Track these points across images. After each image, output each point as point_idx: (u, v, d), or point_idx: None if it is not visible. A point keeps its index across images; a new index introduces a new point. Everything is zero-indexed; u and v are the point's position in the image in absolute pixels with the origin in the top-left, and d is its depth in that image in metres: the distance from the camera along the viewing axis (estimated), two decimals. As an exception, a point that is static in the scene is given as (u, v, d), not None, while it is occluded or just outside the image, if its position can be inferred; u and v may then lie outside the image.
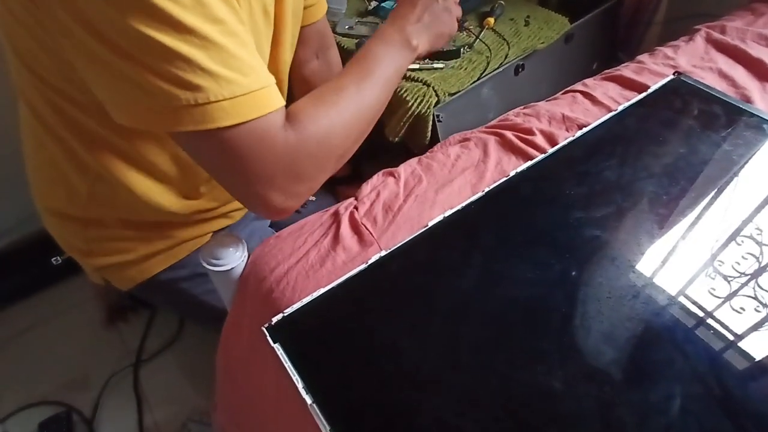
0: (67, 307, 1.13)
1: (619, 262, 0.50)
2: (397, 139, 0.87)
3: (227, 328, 0.60)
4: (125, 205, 0.60)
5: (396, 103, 0.85)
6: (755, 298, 0.48)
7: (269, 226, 0.83)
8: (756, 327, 0.46)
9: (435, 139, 0.87)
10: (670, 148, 0.62)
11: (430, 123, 0.85)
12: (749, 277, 0.49)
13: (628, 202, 0.56)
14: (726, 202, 0.56)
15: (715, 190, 0.57)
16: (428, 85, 0.84)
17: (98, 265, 0.67)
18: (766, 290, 0.48)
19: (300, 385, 0.42)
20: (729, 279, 0.49)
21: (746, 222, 0.54)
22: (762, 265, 0.50)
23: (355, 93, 0.49)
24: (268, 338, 0.46)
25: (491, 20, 0.97)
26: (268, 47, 0.57)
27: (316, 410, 0.41)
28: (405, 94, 0.83)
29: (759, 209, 0.55)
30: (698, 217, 0.55)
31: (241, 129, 0.41)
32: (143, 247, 0.66)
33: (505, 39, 0.95)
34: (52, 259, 1.10)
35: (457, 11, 0.64)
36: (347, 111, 0.48)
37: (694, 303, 0.47)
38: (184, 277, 0.71)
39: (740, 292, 0.48)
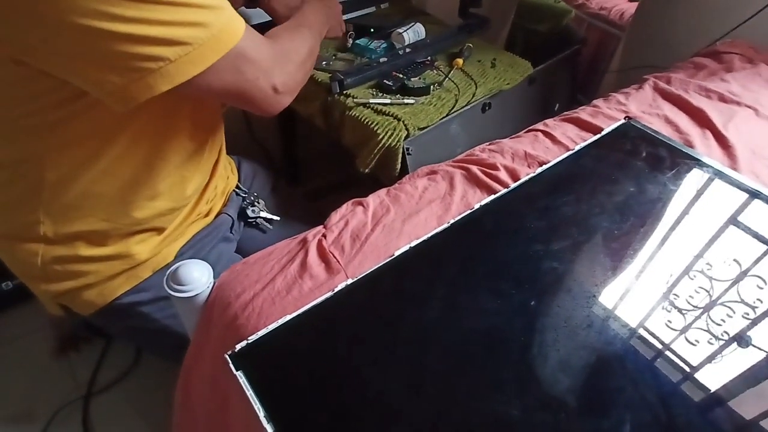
0: (15, 336, 1.07)
1: (575, 293, 0.53)
2: (367, 170, 0.89)
3: (189, 356, 0.59)
4: (89, 211, 0.60)
5: (367, 136, 0.87)
6: (708, 330, 0.51)
7: (235, 251, 0.83)
8: (709, 360, 0.48)
9: (404, 171, 0.90)
10: (621, 187, 0.66)
11: (400, 155, 0.88)
12: (702, 310, 0.52)
13: (583, 236, 0.59)
14: (677, 239, 0.60)
15: (662, 226, 0.62)
16: (399, 120, 0.87)
17: (56, 291, 0.65)
18: (717, 323, 0.51)
19: (261, 414, 0.42)
20: (683, 312, 0.52)
21: (697, 257, 0.58)
22: (713, 299, 0.53)
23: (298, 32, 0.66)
24: (231, 366, 0.46)
25: (460, 61, 1.02)
26: None
27: (276, 440, 0.40)
28: (376, 128, 0.86)
29: (707, 246, 0.59)
30: (653, 253, 0.59)
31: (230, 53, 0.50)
32: (104, 269, 0.65)
33: (472, 79, 1.00)
34: (2, 284, 1.05)
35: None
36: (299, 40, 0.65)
37: (649, 333, 0.50)
38: (146, 301, 0.69)
39: (694, 325, 0.51)
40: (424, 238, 0.58)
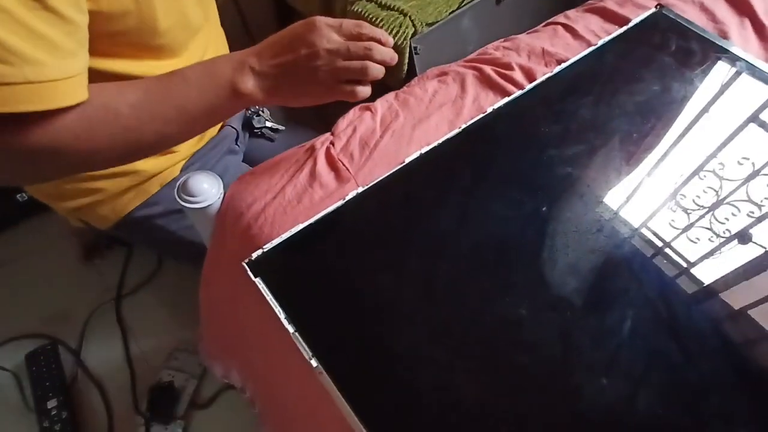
0: (39, 245, 1.12)
1: (587, 198, 0.53)
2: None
3: (207, 265, 0.61)
4: None
5: (373, 33, 0.81)
6: (710, 229, 0.51)
7: (243, 161, 0.82)
8: (707, 256, 0.49)
9: (412, 73, 0.85)
10: (644, 86, 0.62)
11: (407, 55, 0.82)
12: (707, 209, 0.52)
13: (600, 140, 0.57)
14: (693, 138, 0.58)
15: (684, 127, 0.59)
16: (405, 15, 0.80)
17: (72, 207, 0.66)
18: (721, 222, 0.52)
19: (282, 316, 0.45)
20: (689, 212, 0.52)
21: (710, 157, 0.56)
22: (720, 198, 0.53)
23: (138, 110, 0.44)
24: (249, 273, 0.47)
25: (473, -59, 0.91)
26: None
27: (299, 338, 0.43)
28: (381, 24, 0.79)
29: (723, 145, 0.57)
30: (665, 154, 0.57)
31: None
32: (111, 186, 0.65)
33: (487, -37, 0.90)
34: (17, 196, 1.07)
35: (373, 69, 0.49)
36: (120, 135, 0.45)
37: (654, 234, 0.51)
38: (158, 214, 0.70)
39: (697, 224, 0.51)
40: (435, 144, 0.56)
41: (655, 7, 0.73)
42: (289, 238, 0.49)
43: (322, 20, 0.48)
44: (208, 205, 0.55)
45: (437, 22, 0.84)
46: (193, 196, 0.54)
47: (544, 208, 0.51)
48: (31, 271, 1.09)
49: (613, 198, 0.53)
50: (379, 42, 0.49)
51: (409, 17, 0.80)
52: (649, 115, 0.59)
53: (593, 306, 0.45)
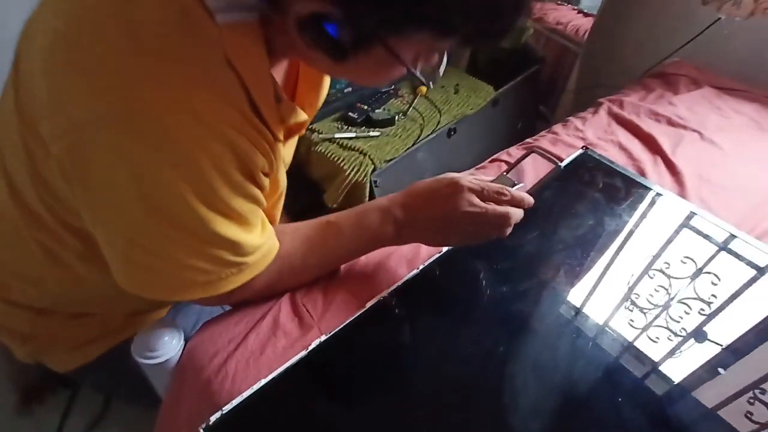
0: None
1: (541, 333, 0.55)
2: (335, 205, 0.90)
3: (161, 419, 0.57)
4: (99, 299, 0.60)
5: (334, 172, 0.88)
6: (667, 327, 0.54)
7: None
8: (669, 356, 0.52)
9: (373, 203, 0.91)
10: (580, 221, 0.69)
11: (368, 189, 0.89)
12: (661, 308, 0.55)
13: (548, 275, 0.62)
14: (630, 268, 0.64)
15: (618, 252, 0.65)
16: (364, 154, 0.88)
17: (36, 350, 0.63)
18: (675, 320, 0.55)
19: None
20: (645, 311, 0.55)
21: (656, 258, 0.61)
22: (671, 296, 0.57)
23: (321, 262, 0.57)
24: (206, 440, 0.45)
25: (424, 88, 1.04)
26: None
27: None
28: (342, 163, 0.87)
29: (665, 246, 0.63)
30: (602, 288, 0.62)
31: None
32: (82, 333, 0.63)
33: (437, 106, 1.02)
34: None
35: (506, 221, 0.54)
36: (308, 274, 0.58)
37: (618, 366, 0.53)
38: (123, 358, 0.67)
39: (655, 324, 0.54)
40: (394, 287, 0.59)
41: (582, 148, 0.84)
42: (249, 396, 0.48)
43: (465, 184, 0.53)
44: (166, 360, 0.53)
45: (394, 158, 0.92)
46: (151, 351, 0.53)
47: (501, 348, 0.53)
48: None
49: (565, 326, 0.56)
50: (520, 204, 0.55)
51: (369, 156, 0.88)
52: (588, 247, 0.65)
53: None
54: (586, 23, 1.53)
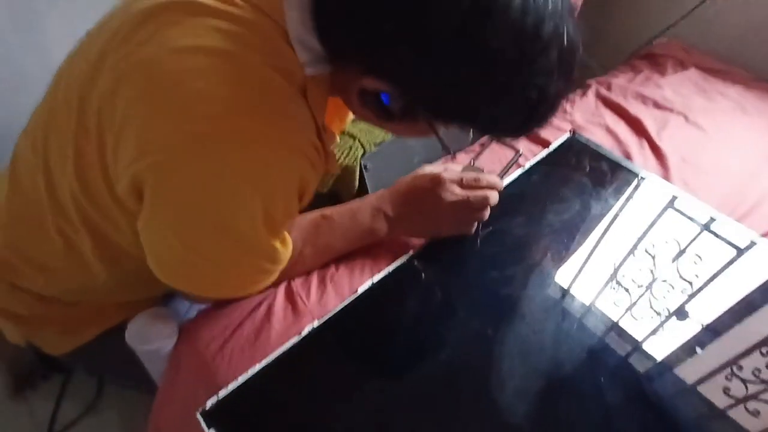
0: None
1: (528, 319, 0.57)
2: (325, 190, 0.90)
3: (158, 403, 0.58)
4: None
5: (324, 156, 0.87)
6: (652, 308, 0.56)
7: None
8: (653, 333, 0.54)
9: (363, 187, 0.91)
10: (567, 205, 0.70)
11: (358, 173, 0.89)
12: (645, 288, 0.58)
13: (535, 258, 0.63)
14: (616, 250, 0.65)
15: (602, 237, 0.66)
16: (354, 138, 0.87)
17: (29, 332, 0.63)
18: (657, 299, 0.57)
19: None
20: (630, 292, 0.57)
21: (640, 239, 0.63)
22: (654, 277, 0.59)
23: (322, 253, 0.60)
24: (203, 424, 0.46)
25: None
26: None
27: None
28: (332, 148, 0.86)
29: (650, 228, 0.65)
30: (588, 269, 0.63)
31: None
32: (77, 314, 0.64)
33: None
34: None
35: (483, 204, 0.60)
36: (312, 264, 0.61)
37: (600, 349, 0.55)
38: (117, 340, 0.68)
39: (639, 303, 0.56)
40: (384, 273, 0.60)
41: (570, 131, 0.84)
42: (245, 381, 0.49)
43: (446, 176, 0.59)
44: (161, 346, 0.54)
45: (384, 141, 0.92)
46: (145, 338, 0.53)
47: (488, 331, 0.55)
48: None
49: (551, 309, 0.57)
50: (494, 187, 0.61)
51: (358, 140, 0.88)
52: (574, 231, 0.67)
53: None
54: (576, 2, 1.52)
